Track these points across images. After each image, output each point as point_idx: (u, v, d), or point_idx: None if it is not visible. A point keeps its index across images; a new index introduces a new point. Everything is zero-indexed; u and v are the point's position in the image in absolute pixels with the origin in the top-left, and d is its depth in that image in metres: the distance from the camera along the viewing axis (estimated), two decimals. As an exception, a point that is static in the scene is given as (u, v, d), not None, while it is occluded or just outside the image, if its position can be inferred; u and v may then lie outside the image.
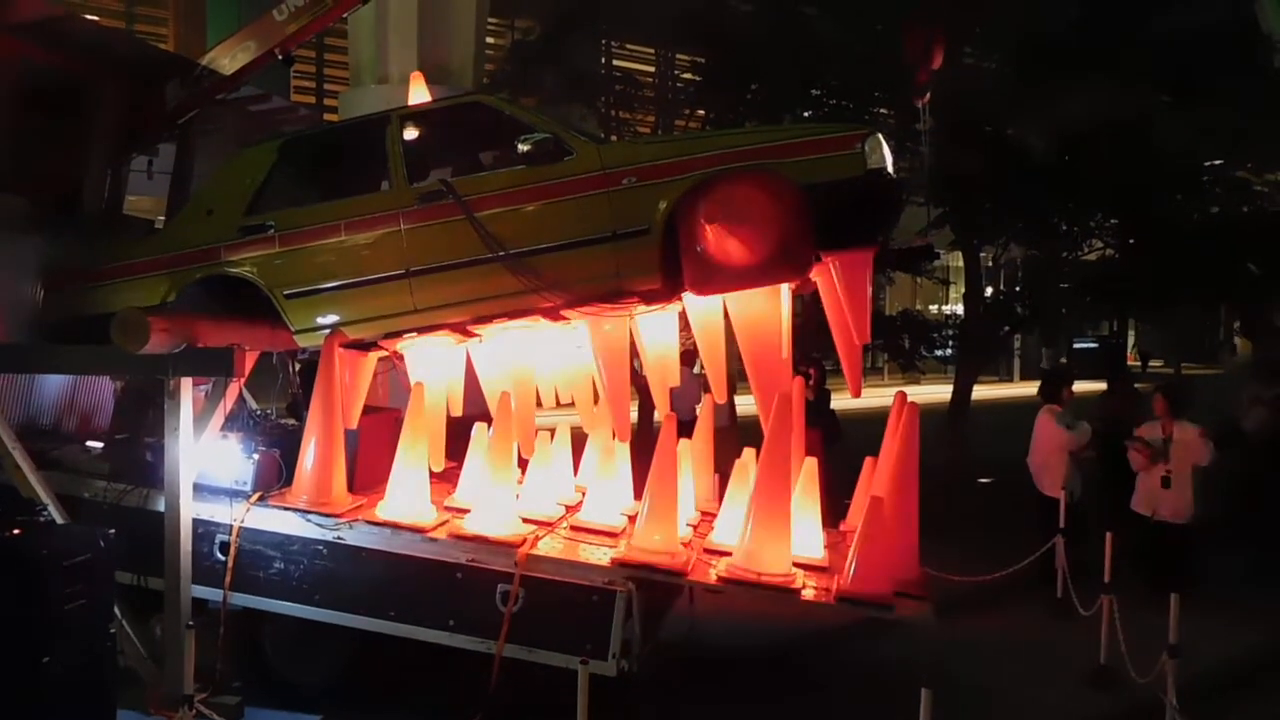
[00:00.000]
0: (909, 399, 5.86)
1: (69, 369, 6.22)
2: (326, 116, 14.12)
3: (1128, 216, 13.19)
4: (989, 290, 14.64)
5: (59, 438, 6.48)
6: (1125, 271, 13.32)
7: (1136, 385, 11.87)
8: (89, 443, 6.30)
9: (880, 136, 5.40)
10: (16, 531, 4.58)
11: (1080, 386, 9.37)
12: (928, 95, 6.77)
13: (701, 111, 15.13)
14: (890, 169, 5.47)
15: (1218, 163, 13.83)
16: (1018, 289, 15.20)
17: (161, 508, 5.49)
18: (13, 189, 6.15)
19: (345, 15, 7.21)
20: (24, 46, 5.75)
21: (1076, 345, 25.39)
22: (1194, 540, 8.07)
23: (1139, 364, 25.03)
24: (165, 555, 5.41)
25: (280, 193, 6.07)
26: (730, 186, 5.28)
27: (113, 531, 4.93)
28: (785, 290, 5.77)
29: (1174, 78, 12.50)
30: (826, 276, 5.63)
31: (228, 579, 5.53)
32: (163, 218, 7.36)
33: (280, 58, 6.70)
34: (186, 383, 5.43)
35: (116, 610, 5.07)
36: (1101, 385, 12.30)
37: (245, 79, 6.80)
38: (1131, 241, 13.60)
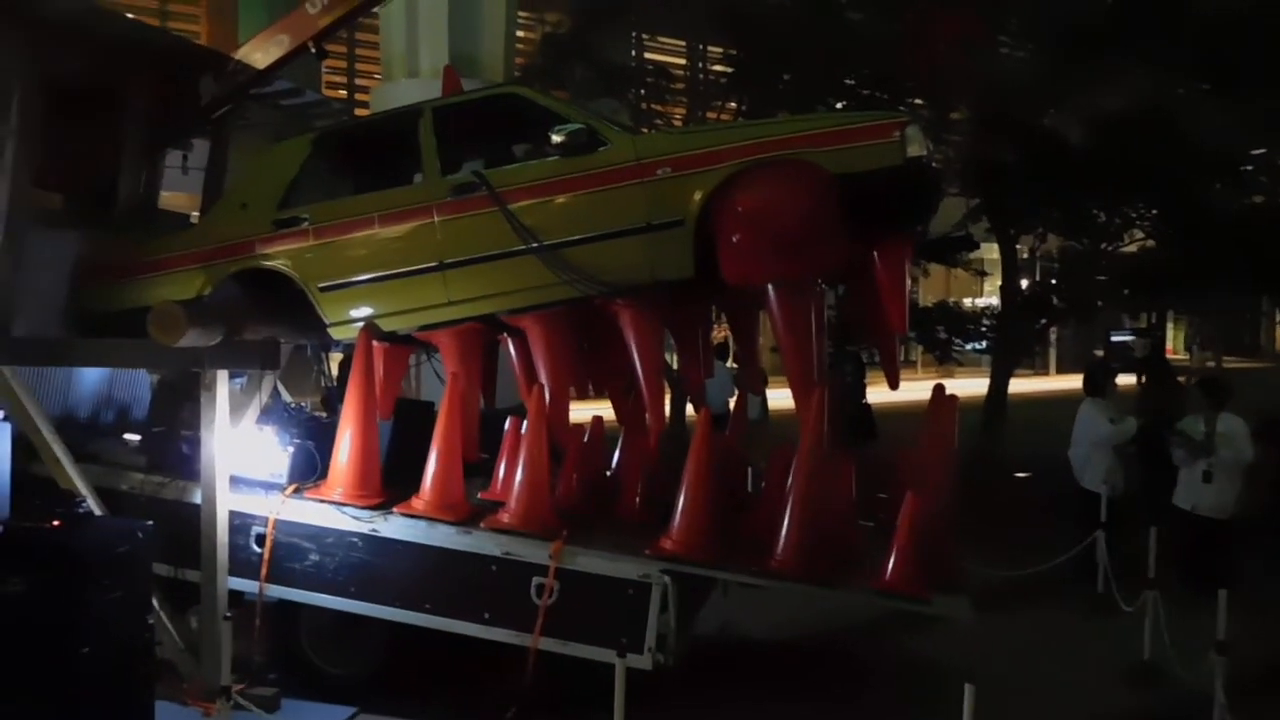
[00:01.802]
0: (947, 391, 5.79)
1: (106, 362, 6.26)
2: (358, 111, 14.18)
3: (1167, 207, 12.96)
4: (1024, 282, 14.44)
5: (96, 430, 6.54)
6: (1165, 263, 13.09)
7: (1179, 378, 11.67)
8: (126, 435, 6.35)
9: (918, 125, 5.32)
10: (56, 523, 4.60)
11: (1120, 379, 9.22)
12: (969, 84, 6.65)
13: (733, 103, 15.04)
14: (929, 158, 5.39)
15: (1260, 151, 13.56)
16: (1053, 281, 14.98)
17: (198, 500, 5.52)
18: (50, 185, 6.20)
19: (377, 8, 7.19)
20: (61, 42, 5.78)
21: (1114, 338, 25.10)
22: (1235, 537, 7.92)
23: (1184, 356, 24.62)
24: (201, 547, 5.44)
25: (314, 186, 6.07)
26: (766, 176, 5.22)
27: (151, 523, 4.96)
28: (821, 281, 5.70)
29: (1213, 64, 12.26)
30: (863, 267, 5.56)
31: (263, 571, 5.55)
32: (197, 212, 7.41)
33: (313, 50, 6.69)
34: (222, 376, 5.45)
35: (154, 602, 5.10)
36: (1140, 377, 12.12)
37: (278, 72, 6.81)
38: (1171, 232, 13.36)
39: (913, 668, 6.45)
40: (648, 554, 5.28)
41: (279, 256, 5.90)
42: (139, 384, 7.04)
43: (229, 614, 5.07)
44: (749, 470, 6.77)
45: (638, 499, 6.11)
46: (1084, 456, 8.35)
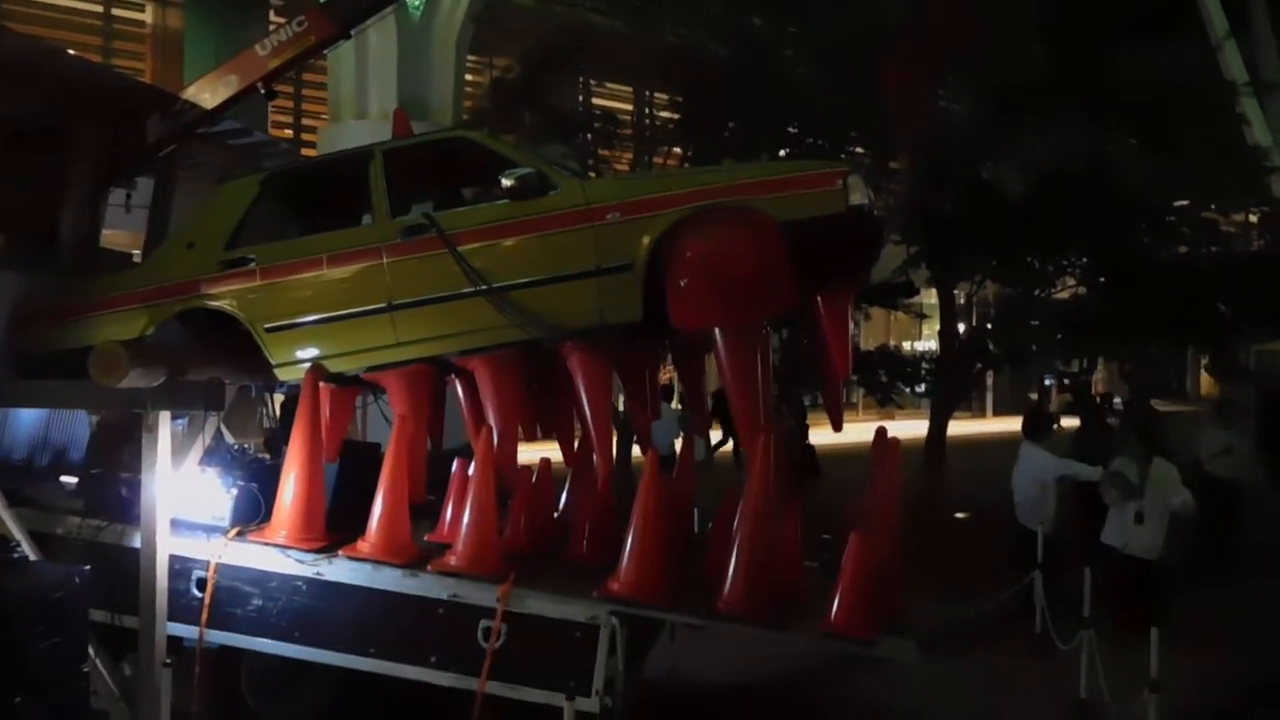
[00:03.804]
0: (889, 434, 5.91)
1: (46, 403, 6.14)
2: (305, 151, 14.14)
3: (1097, 255, 13.41)
4: (962, 327, 14.78)
5: (32, 473, 6.38)
6: (1095, 309, 13.51)
7: (1108, 421, 12.00)
8: (62, 478, 6.21)
9: (859, 175, 5.49)
10: (-11, 568, 4.49)
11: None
12: (910, 134, 6.88)
13: (679, 149, 15.27)
14: (871, 206, 5.54)
15: (1183, 204, 14.11)
16: (988, 326, 15.36)
17: (137, 544, 5.41)
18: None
19: (327, 50, 7.24)
20: (5, 80, 5.73)
21: (1048, 382, 25.70)
22: (1164, 576, 8.13)
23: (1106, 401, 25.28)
24: (140, 592, 5.33)
25: (262, 226, 6.05)
26: (713, 222, 5.33)
27: (87, 568, 4.86)
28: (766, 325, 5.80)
29: (1142, 122, 12.79)
30: (808, 312, 5.69)
31: (204, 616, 5.45)
32: (139, 251, 7.32)
33: (263, 92, 6.71)
34: (164, 417, 5.38)
35: (90, 649, 4.98)
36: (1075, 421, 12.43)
37: (225, 112, 6.80)
38: (1101, 280, 13.81)
39: (860, 709, 6.50)
40: (596, 596, 5.28)
41: (225, 296, 5.85)
42: (77, 425, 6.89)
43: (168, 660, 4.96)
44: (695, 512, 6.82)
45: (585, 541, 6.11)
46: (1027, 496, 8.54)
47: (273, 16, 17.99)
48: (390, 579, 5.39)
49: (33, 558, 5.21)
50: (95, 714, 5.11)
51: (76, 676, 4.73)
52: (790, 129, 13.81)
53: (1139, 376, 23.53)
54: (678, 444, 8.31)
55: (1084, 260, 13.81)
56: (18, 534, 5.31)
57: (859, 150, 13.81)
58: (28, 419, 6.55)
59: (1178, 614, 7.88)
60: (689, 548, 6.38)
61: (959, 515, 12.80)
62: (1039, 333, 14.31)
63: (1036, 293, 14.15)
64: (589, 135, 15.16)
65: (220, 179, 6.63)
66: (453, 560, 5.46)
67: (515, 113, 14.84)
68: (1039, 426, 8.87)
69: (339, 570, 5.43)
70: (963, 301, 16.45)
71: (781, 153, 13.86)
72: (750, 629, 5.25)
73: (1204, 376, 31.76)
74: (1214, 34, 26.34)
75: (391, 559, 5.47)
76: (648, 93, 18.10)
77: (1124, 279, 12.94)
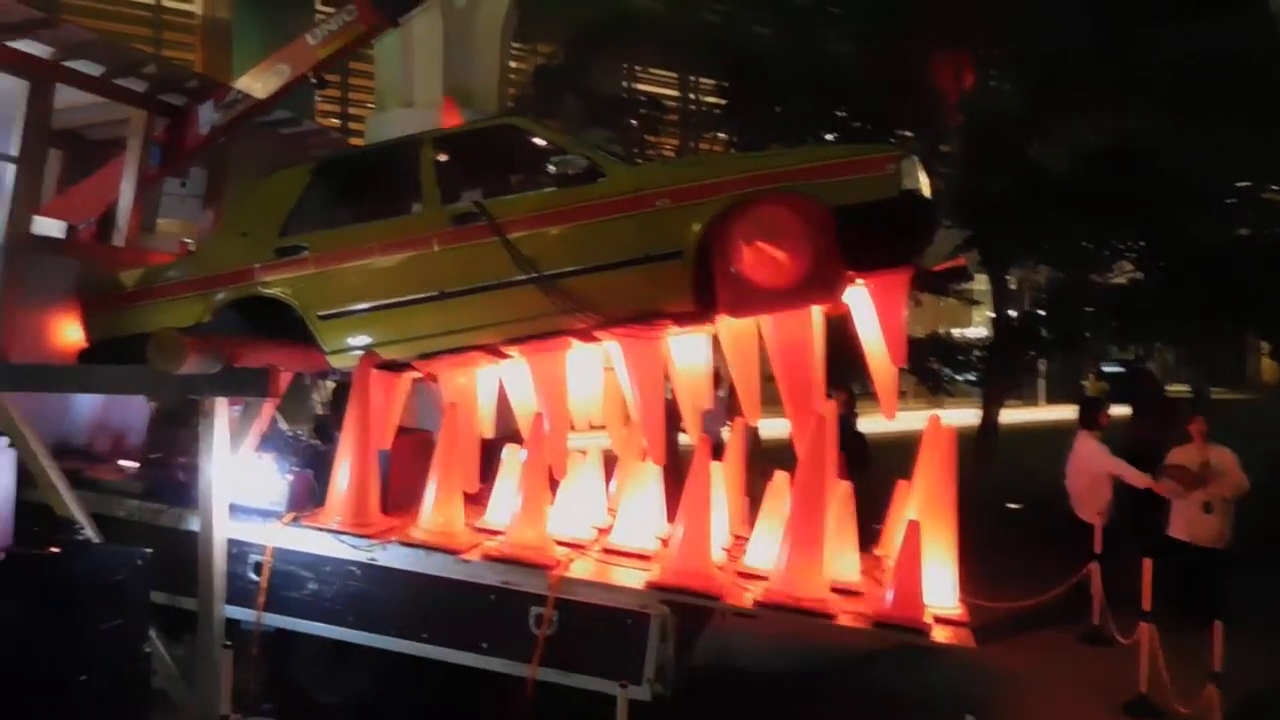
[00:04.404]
0: (942, 422, 5.83)
1: (107, 389, 6.25)
2: (351, 140, 14.25)
3: (1154, 238, 13.10)
4: (1014, 313, 14.52)
5: (92, 457, 6.51)
6: (1152, 294, 13.21)
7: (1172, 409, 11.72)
8: (122, 462, 6.33)
9: (914, 158, 5.40)
10: (55, 550, 4.59)
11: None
12: (958, 117, 6.75)
13: (724, 134, 15.18)
14: (924, 190, 5.46)
15: (1245, 184, 13.74)
16: (1040, 312, 15.09)
17: (195, 527, 5.49)
18: (49, 212, 6.21)
19: (375, 39, 7.27)
20: (63, 72, 5.82)
21: (1104, 369, 25.20)
22: (1231, 567, 7.95)
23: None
24: (199, 575, 5.40)
25: (314, 214, 6.11)
26: (763, 208, 5.28)
27: (149, 551, 4.95)
28: (818, 312, 5.74)
29: (1200, 98, 12.45)
30: (860, 298, 5.62)
31: (261, 599, 5.52)
32: (189, 240, 7.43)
33: (313, 80, 6.77)
34: (221, 403, 5.45)
35: (151, 630, 5.07)
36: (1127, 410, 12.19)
37: (277, 102, 6.86)
38: (1159, 264, 13.49)
39: (911, 700, 6.43)
40: (647, 584, 5.27)
41: (279, 284, 5.92)
42: (135, 411, 7.02)
43: (229, 643, 5.03)
44: (746, 500, 6.79)
45: (634, 528, 6.10)
46: (1080, 487, 8.37)
47: (319, 6, 18.13)
48: (442, 565, 5.43)
49: (95, 540, 5.31)
50: (155, 693, 5.21)
51: (138, 657, 4.83)
52: (837, 112, 13.65)
53: (1197, 363, 22.99)
54: (725, 432, 8.29)
55: (1141, 243, 13.50)
56: (81, 517, 5.42)
57: (907, 134, 13.60)
58: (88, 404, 6.68)
59: (1240, 605, 7.73)
60: (740, 534, 6.38)
61: (1011, 506, 12.63)
62: (1093, 318, 14.03)
63: (1091, 277, 13.88)
64: (633, 121, 15.13)
65: (272, 167, 6.70)
66: (504, 547, 5.49)
67: (559, 99, 14.85)
68: (1093, 416, 8.70)
69: (392, 556, 5.47)
70: (1014, 286, 16.17)
71: (829, 137, 13.72)
72: (800, 617, 5.21)
73: (1265, 362, 31.03)
74: (1275, 3, 25.54)
75: (443, 545, 5.50)
76: (691, 77, 18.00)
77: (1183, 262, 12.61)
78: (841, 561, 5.64)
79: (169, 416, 6.48)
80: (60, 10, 14.25)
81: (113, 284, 6.22)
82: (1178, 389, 21.30)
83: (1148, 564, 6.54)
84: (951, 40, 11.54)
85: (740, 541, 6.27)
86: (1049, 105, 12.25)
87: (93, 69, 6.00)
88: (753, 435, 10.94)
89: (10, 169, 5.61)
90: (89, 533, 5.31)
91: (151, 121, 6.59)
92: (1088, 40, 12.26)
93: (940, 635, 5.15)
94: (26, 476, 5.39)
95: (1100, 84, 11.79)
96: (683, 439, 7.16)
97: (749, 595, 5.32)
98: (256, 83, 6.72)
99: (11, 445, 5.01)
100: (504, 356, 6.01)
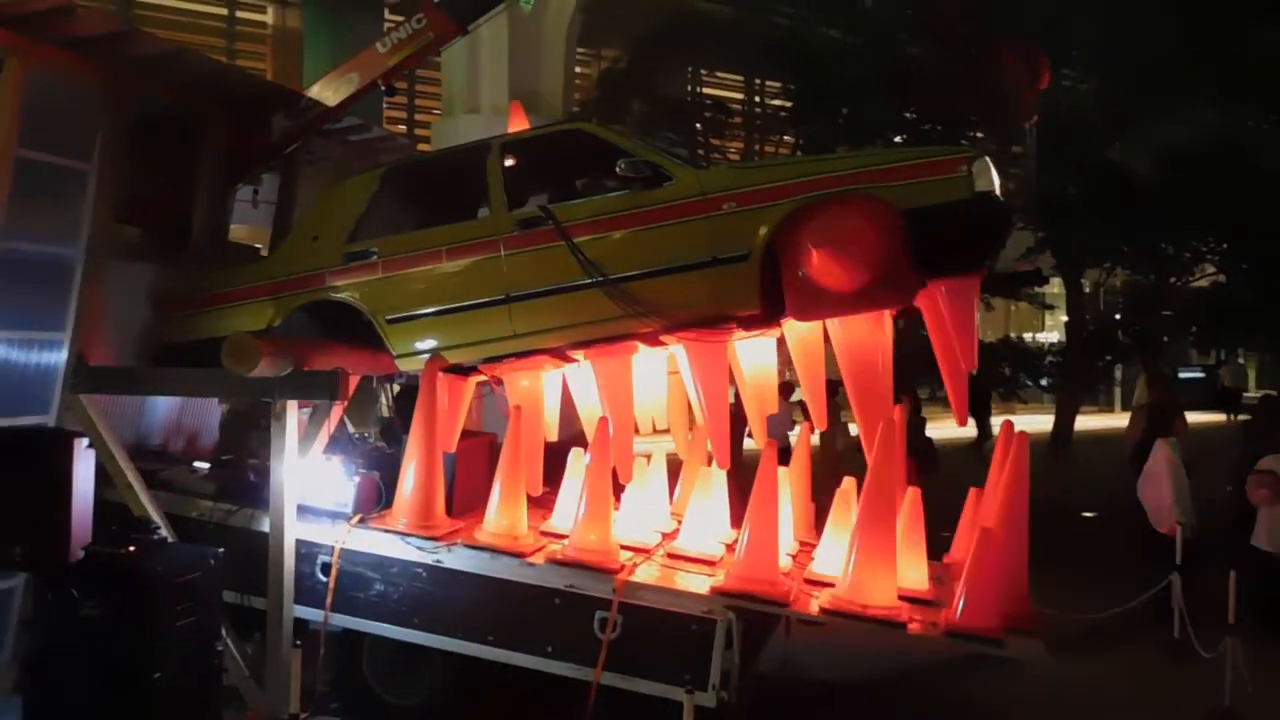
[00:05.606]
0: (1016, 428, 5.69)
1: (182, 391, 6.38)
2: (418, 146, 14.43)
3: (1239, 240, 12.69)
4: (1089, 317, 14.19)
5: (166, 458, 6.66)
6: (1237, 298, 12.79)
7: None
8: (195, 463, 6.46)
9: (987, 159, 5.28)
10: (132, 549, 4.68)
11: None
12: (1035, 117, 6.60)
13: (790, 137, 15.06)
14: (997, 192, 5.33)
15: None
16: (1117, 316, 14.71)
17: (265, 528, 5.58)
18: (127, 219, 6.37)
19: (444, 47, 7.34)
20: (141, 81, 5.96)
21: (1182, 375, 24.49)
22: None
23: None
24: (269, 575, 5.48)
25: (383, 220, 6.17)
26: (833, 211, 5.20)
27: (221, 550, 5.03)
28: (887, 316, 5.64)
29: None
30: (931, 302, 5.51)
31: (329, 600, 5.58)
32: (259, 245, 7.56)
33: (383, 88, 6.85)
34: (291, 405, 5.53)
35: (223, 629, 5.16)
36: (1207, 416, 11.81)
37: (348, 109, 6.96)
38: (1243, 266, 13.07)
39: (983, 711, 6.28)
40: (712, 590, 5.22)
41: (348, 289, 5.99)
42: (207, 413, 7.16)
43: (299, 642, 5.10)
44: (812, 506, 6.70)
45: (699, 533, 6.05)
46: (1157, 496, 8.11)
47: (388, 15, 18.41)
48: (507, 568, 5.43)
49: (170, 539, 5.42)
50: (226, 691, 5.29)
51: (210, 655, 4.91)
52: (906, 114, 13.46)
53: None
54: (792, 436, 8.20)
55: (1224, 245, 13.09)
56: (156, 516, 5.54)
57: (978, 135, 13.37)
58: (162, 406, 6.84)
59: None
60: (806, 540, 6.30)
61: (1086, 514, 12.30)
62: (1172, 323, 13.64)
63: (1171, 280, 13.49)
64: (698, 124, 15.09)
65: (342, 174, 6.79)
66: (569, 551, 5.48)
67: (624, 103, 14.87)
68: (1169, 422, 8.43)
69: (458, 558, 5.49)
70: (1089, 290, 15.78)
71: (897, 139, 13.54)
72: (868, 625, 5.12)
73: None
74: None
75: (508, 548, 5.51)
76: (757, 80, 17.90)
77: (1267, 264, 12.19)
78: (910, 568, 5.52)
79: (239, 418, 6.59)
80: (137, 22, 14.67)
81: (187, 288, 6.35)
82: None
83: (1232, 576, 6.30)
84: (1027, 39, 11.30)
85: (807, 548, 6.19)
86: (1130, 104, 11.94)
87: (169, 79, 6.14)
88: (843, 430, 10.70)
89: (91, 176, 5.76)
90: (164, 532, 5.41)
91: (225, 130, 6.72)
92: (1171, 38, 11.92)
93: (1013, 647, 5.02)
94: (105, 476, 5.52)
95: (1182, 80, 11.45)
96: (748, 444, 7.10)
97: (816, 602, 5.24)
98: (328, 91, 6.82)
99: (91, 446, 5.12)
100: (570, 360, 6.00)
